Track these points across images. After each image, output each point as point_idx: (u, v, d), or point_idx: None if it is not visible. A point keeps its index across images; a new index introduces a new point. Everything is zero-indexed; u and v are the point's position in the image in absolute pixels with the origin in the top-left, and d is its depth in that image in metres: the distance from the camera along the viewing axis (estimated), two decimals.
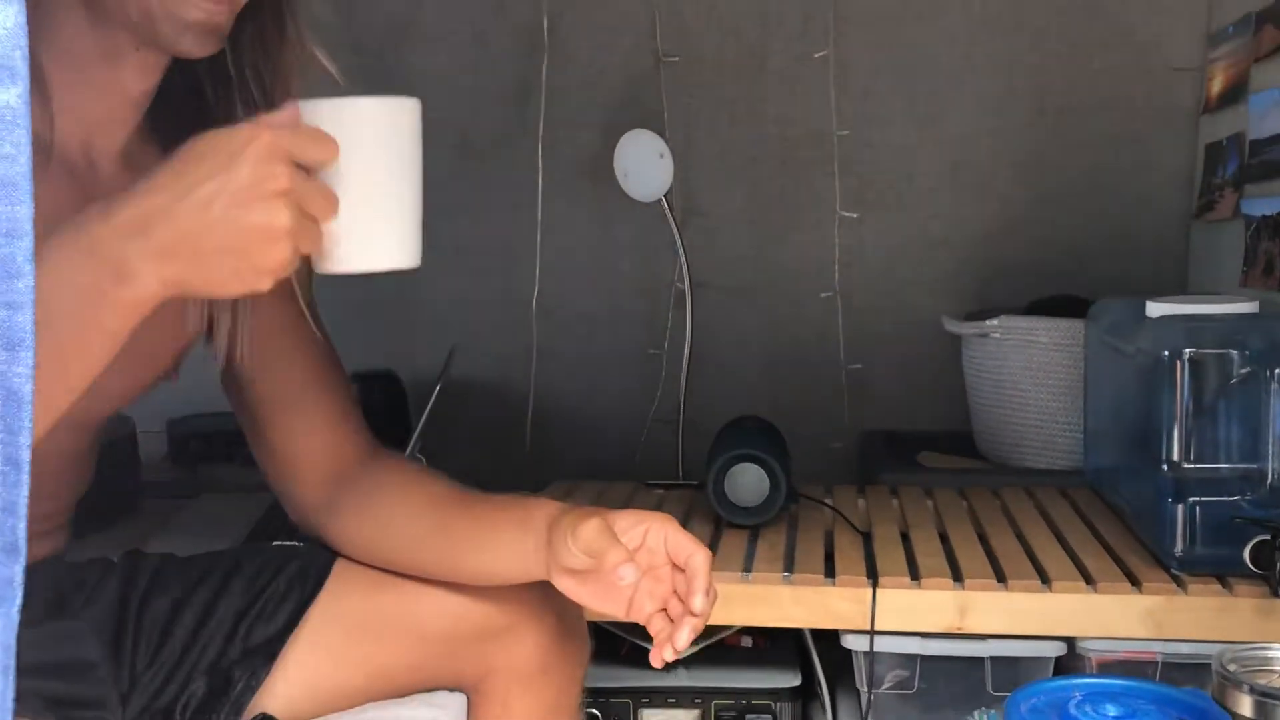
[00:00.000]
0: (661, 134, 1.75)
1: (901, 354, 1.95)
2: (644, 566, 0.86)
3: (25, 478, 0.42)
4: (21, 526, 0.43)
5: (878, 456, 1.80)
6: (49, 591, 0.96)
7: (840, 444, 1.95)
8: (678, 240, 1.81)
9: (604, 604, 0.87)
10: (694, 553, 0.85)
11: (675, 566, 0.87)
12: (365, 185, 0.73)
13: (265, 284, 0.69)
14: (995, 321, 1.67)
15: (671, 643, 0.84)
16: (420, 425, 1.59)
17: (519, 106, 1.96)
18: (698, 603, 0.84)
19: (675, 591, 0.86)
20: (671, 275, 1.95)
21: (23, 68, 0.41)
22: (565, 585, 0.88)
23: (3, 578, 0.43)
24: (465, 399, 1.99)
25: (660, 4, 1.91)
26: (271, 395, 1.00)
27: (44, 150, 0.81)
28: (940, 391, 1.91)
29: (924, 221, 1.93)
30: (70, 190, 0.83)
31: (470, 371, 2.02)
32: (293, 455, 1.01)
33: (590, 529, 0.83)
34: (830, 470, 1.91)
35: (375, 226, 0.75)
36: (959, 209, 1.92)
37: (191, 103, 0.93)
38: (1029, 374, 1.66)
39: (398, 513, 0.97)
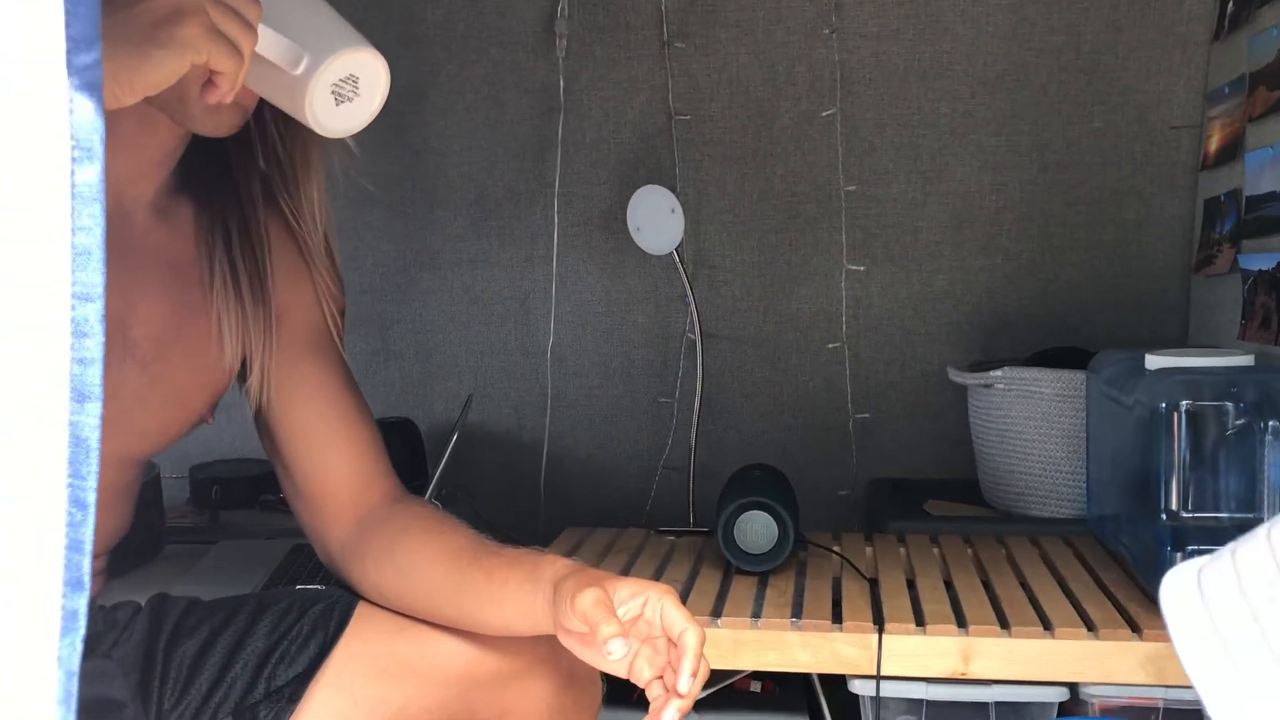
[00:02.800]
0: (673, 189, 1.79)
1: (907, 403, 1.98)
2: (641, 636, 0.88)
3: (91, 518, 0.46)
4: (87, 563, 0.47)
5: (885, 504, 1.82)
6: None
7: (848, 491, 1.98)
8: (689, 292, 1.85)
9: (603, 665, 0.89)
10: (685, 630, 0.86)
11: (670, 640, 0.88)
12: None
13: (186, 55, 0.71)
14: (999, 372, 1.70)
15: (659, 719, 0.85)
16: (438, 472, 1.63)
17: (535, 163, 2.01)
18: (682, 684, 0.84)
19: (670, 663, 0.87)
20: (682, 326, 2.00)
21: (100, 149, 0.46)
22: (568, 643, 0.90)
23: (68, 610, 0.46)
24: (481, 446, 2.03)
25: (672, 64, 1.96)
26: (300, 436, 1.03)
27: None
28: (946, 440, 1.94)
29: (929, 274, 1.96)
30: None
31: (486, 419, 2.06)
32: (320, 495, 1.04)
33: (588, 599, 0.85)
34: (838, 517, 1.93)
35: (322, 22, 0.82)
36: (963, 262, 1.96)
37: (218, 159, 0.99)
38: (1032, 424, 1.68)
39: (417, 561, 1.00)
